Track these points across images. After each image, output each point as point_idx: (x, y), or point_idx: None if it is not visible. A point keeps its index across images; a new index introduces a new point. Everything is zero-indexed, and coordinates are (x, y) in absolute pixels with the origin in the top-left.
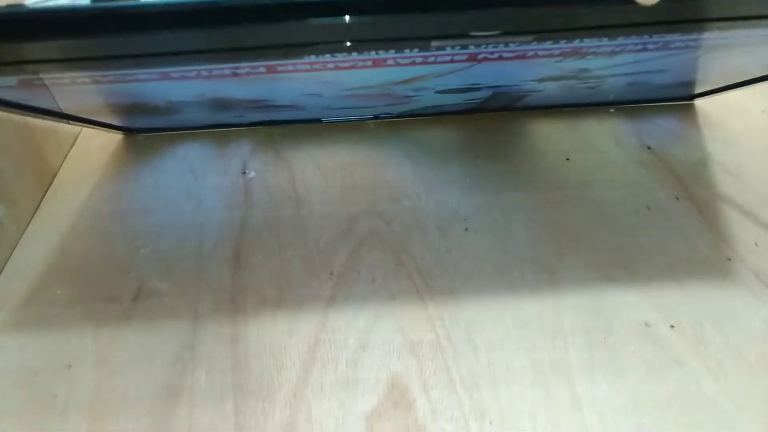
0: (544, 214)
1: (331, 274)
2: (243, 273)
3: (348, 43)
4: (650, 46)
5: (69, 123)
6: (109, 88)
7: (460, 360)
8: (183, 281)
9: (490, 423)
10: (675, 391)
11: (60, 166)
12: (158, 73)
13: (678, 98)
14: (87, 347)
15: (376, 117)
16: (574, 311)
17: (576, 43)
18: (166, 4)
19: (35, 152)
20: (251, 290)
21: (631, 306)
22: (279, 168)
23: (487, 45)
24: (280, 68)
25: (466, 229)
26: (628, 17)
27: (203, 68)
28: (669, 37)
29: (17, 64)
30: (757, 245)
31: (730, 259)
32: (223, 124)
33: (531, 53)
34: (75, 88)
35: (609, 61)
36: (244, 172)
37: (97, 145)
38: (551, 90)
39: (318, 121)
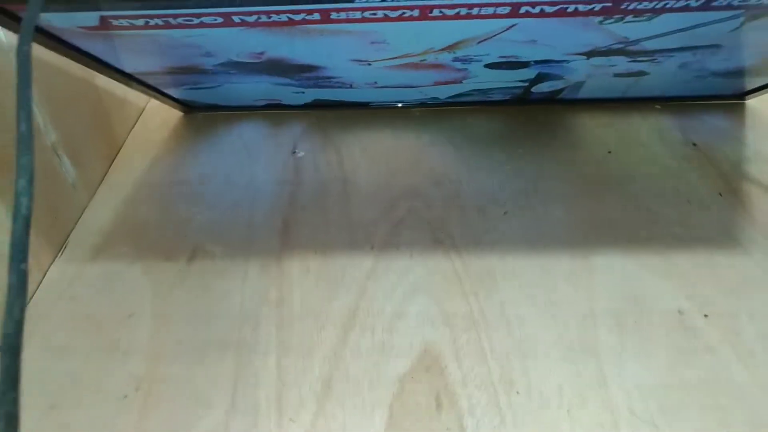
0: (582, 203)
1: (372, 248)
2: (290, 242)
3: None
4: (692, 3)
5: (133, 86)
6: (174, 39)
7: (492, 333)
8: (234, 247)
9: (518, 393)
10: (703, 376)
11: (126, 139)
12: (221, 15)
13: (729, 96)
14: (146, 300)
15: (423, 104)
16: (606, 295)
17: None
18: None
19: (105, 125)
20: (297, 258)
21: (665, 294)
22: (327, 149)
23: None
24: (333, 15)
25: (505, 213)
26: None
27: (263, 10)
28: None
29: None
30: None
31: None
32: (276, 105)
33: (571, 8)
34: (143, 41)
35: (652, 27)
36: (295, 152)
37: (159, 122)
38: (596, 79)
39: (366, 105)
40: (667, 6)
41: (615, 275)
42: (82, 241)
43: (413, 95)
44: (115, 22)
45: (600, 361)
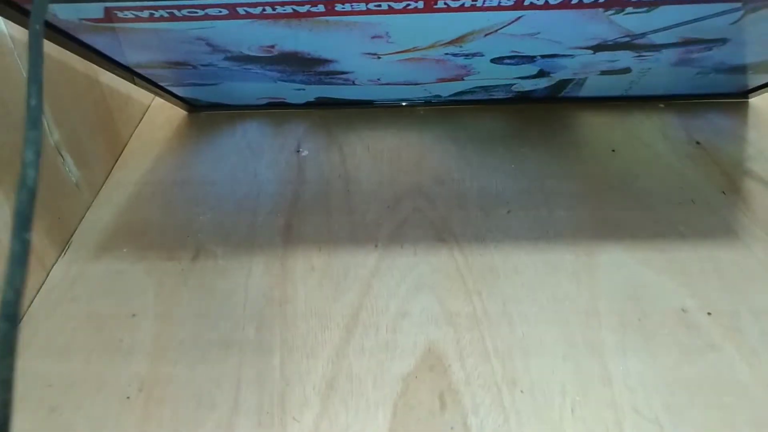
0: (586, 202)
1: (376, 246)
2: (293, 241)
3: None
4: None
5: (137, 83)
6: (182, 33)
7: (495, 331)
8: (238, 246)
9: (521, 391)
10: (707, 374)
11: (129, 138)
12: (226, 6)
13: (732, 95)
14: (149, 300)
15: (426, 102)
16: (610, 293)
17: None
18: None
19: (109, 124)
20: (300, 257)
21: (668, 292)
22: (331, 148)
23: None
24: (338, 7)
25: (508, 211)
26: None
27: (267, 1)
28: None
29: None
30: None
31: None
32: (279, 103)
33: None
34: (148, 35)
35: (653, 20)
36: (298, 151)
37: (163, 121)
38: (599, 76)
39: (370, 103)
40: None
41: (618, 273)
42: (86, 241)
43: (416, 93)
44: (119, 14)
45: (604, 359)
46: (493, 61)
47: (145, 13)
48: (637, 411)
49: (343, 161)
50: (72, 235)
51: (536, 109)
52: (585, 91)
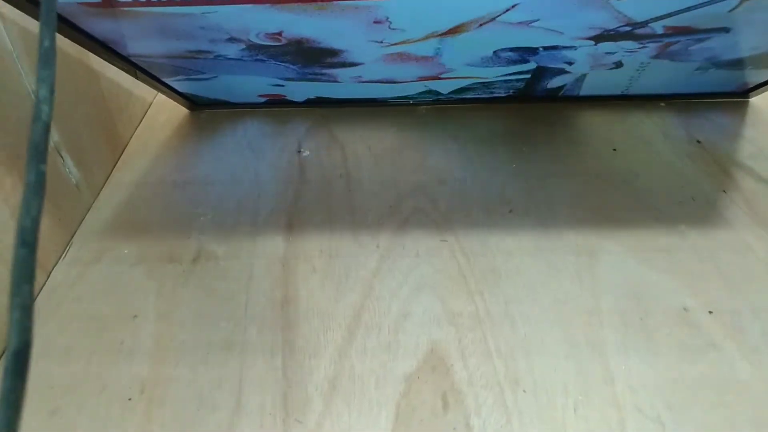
0: (587, 201)
1: (378, 246)
2: (295, 242)
3: None
4: None
5: (139, 77)
6: (186, 19)
7: (498, 332)
8: (239, 247)
9: (524, 391)
10: (708, 373)
11: (130, 139)
12: None
13: (733, 94)
14: (150, 301)
15: (427, 100)
16: (611, 293)
17: None
18: None
19: (109, 125)
20: (302, 258)
21: (669, 291)
22: (332, 148)
23: None
24: None
25: (510, 211)
26: None
27: None
28: None
29: None
30: None
31: None
32: (279, 101)
33: None
34: (148, 21)
35: (651, 6)
36: (300, 151)
37: (163, 121)
38: (598, 72)
39: (371, 101)
40: None
41: (620, 273)
42: (86, 243)
43: (415, 89)
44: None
45: (606, 358)
46: (495, 53)
47: None
48: (640, 410)
49: (345, 161)
50: (72, 237)
51: (537, 108)
52: (585, 90)
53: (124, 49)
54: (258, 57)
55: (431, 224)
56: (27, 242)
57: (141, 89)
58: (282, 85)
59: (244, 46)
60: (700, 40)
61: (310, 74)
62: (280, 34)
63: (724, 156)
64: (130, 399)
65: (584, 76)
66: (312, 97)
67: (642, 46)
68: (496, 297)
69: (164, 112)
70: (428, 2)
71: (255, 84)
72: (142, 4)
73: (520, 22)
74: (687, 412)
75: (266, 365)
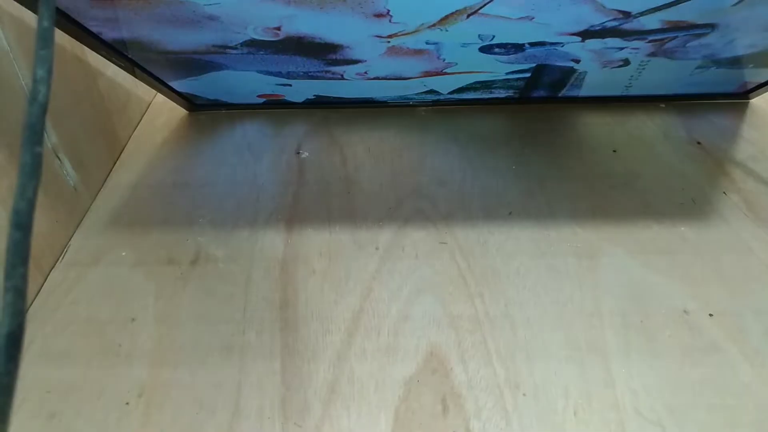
0: (587, 202)
1: (377, 249)
2: (294, 244)
3: None
4: None
5: (138, 76)
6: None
7: (498, 334)
8: (238, 249)
9: (524, 395)
10: (709, 375)
11: (128, 140)
12: None
13: (733, 95)
14: (148, 304)
15: (426, 100)
16: (612, 295)
17: None
18: None
19: (107, 126)
20: (301, 260)
21: (670, 293)
22: (332, 149)
23: None
24: None
25: (510, 213)
26: None
27: None
28: None
29: None
30: None
31: None
32: (279, 102)
33: None
34: (148, 13)
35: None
36: (299, 152)
37: (162, 122)
38: (598, 71)
39: (370, 102)
40: None
41: (621, 275)
42: (84, 245)
43: (414, 88)
44: None
45: (606, 361)
46: (482, 50)
47: None
48: (640, 413)
49: (344, 163)
50: (70, 239)
51: (537, 109)
52: (585, 91)
53: (123, 45)
54: (259, 53)
55: (431, 226)
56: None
57: (140, 90)
58: (289, 85)
59: (243, 40)
60: (697, 36)
61: (316, 72)
62: (279, 28)
63: (725, 157)
64: (127, 403)
65: (584, 76)
66: (311, 97)
67: (639, 40)
68: (496, 299)
69: (163, 113)
70: None
71: (258, 83)
72: None
73: (505, 16)
74: (688, 414)
75: (265, 369)
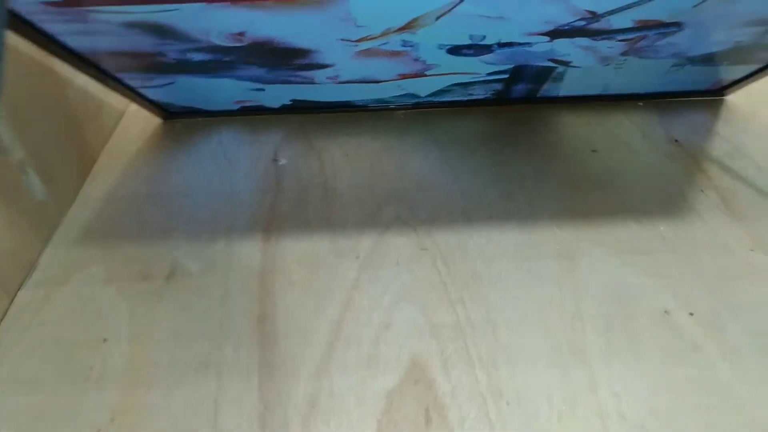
0: (567, 203)
1: (357, 257)
2: (272, 254)
3: None
4: None
5: (110, 86)
6: (185, 15)
7: (480, 341)
8: (214, 262)
9: (507, 403)
10: (691, 376)
11: (101, 151)
12: None
13: (708, 92)
14: (121, 323)
15: (405, 104)
16: (593, 297)
17: None
18: None
19: (78, 137)
20: (279, 271)
21: (651, 294)
22: (309, 155)
23: None
24: None
25: (490, 215)
26: None
27: None
28: None
29: None
30: None
31: (752, 250)
32: (255, 108)
33: None
34: (115, 23)
35: None
36: (276, 159)
37: (136, 131)
38: (575, 72)
39: (348, 106)
40: None
41: (602, 276)
42: (53, 262)
43: (392, 91)
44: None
45: (589, 364)
46: (449, 52)
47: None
48: (624, 417)
49: (322, 169)
50: (38, 257)
51: (516, 110)
52: (564, 90)
53: (92, 53)
54: (224, 59)
55: (411, 232)
56: None
57: (112, 98)
58: (262, 89)
59: (206, 47)
60: (665, 35)
61: (283, 77)
62: (242, 34)
63: (702, 155)
64: (99, 430)
65: (563, 76)
66: (288, 102)
67: (608, 40)
68: (478, 305)
69: (137, 122)
70: None
71: (231, 89)
72: (106, 1)
73: (475, 14)
74: (671, 416)
75: (243, 385)
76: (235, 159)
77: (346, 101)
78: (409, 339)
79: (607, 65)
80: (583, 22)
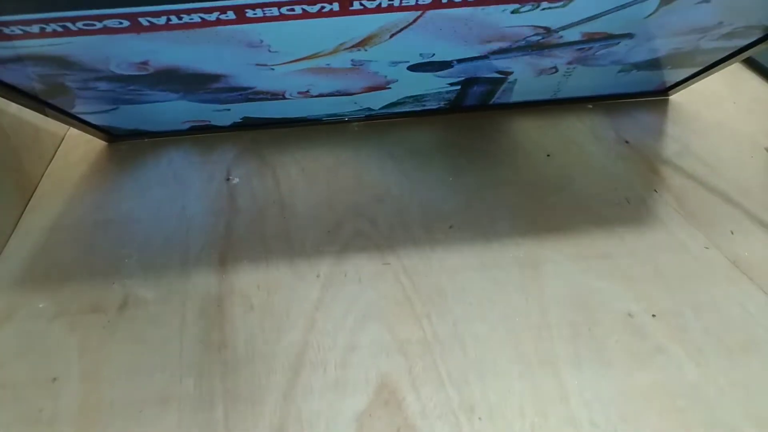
0: (526, 210)
1: (318, 276)
2: (230, 279)
3: None
4: None
5: (48, 114)
6: (79, 47)
7: (448, 356)
8: (169, 289)
9: (480, 419)
10: (658, 379)
11: (41, 178)
12: (127, 17)
13: (653, 92)
14: (72, 360)
15: (359, 117)
16: (558, 304)
17: None
18: None
19: (15, 166)
20: (238, 296)
21: (613, 297)
22: (263, 173)
23: None
24: (249, 13)
25: (450, 226)
26: None
27: (171, 9)
28: None
29: None
30: (732, 233)
31: (707, 248)
32: (204, 127)
33: None
34: (45, 48)
35: (569, 14)
36: (228, 179)
37: (79, 155)
38: (526, 79)
39: (301, 120)
40: None
41: (564, 283)
42: None
43: (347, 107)
44: (5, 30)
45: (559, 374)
46: (410, 68)
47: (35, 28)
48: (596, 425)
49: (278, 186)
50: None
51: (470, 118)
52: (516, 96)
53: (16, 83)
54: (130, 87)
55: (372, 247)
56: None
57: (50, 124)
58: (227, 109)
59: (109, 76)
60: (608, 46)
61: (238, 95)
62: (146, 63)
63: (651, 155)
64: None
65: (514, 84)
66: (239, 120)
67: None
68: (444, 319)
69: (79, 145)
70: (298, 26)
71: (178, 110)
72: (34, 35)
73: (431, 35)
74: (641, 421)
75: (207, 418)
76: (186, 180)
77: (301, 116)
78: (377, 358)
79: (553, 74)
80: (538, 37)
